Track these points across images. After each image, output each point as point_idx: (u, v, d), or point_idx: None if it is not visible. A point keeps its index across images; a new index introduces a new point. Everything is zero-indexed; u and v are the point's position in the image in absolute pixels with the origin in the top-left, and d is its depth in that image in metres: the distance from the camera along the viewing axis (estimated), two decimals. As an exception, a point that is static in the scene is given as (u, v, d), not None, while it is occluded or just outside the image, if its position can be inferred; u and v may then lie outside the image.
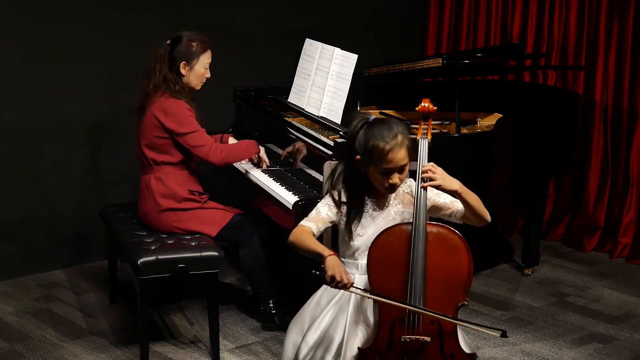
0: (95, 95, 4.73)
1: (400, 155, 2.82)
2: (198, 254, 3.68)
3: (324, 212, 2.93)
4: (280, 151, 4.28)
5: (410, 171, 3.02)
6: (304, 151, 4.00)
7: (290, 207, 3.63)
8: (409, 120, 4.10)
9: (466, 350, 2.84)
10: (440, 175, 2.85)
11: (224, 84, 4.49)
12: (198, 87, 3.98)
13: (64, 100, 4.64)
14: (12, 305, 4.31)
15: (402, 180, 2.87)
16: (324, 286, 2.94)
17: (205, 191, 3.98)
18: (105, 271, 4.40)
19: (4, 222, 4.58)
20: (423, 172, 2.84)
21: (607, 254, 5.22)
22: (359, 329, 2.85)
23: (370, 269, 2.82)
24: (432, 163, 2.87)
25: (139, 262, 3.60)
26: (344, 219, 2.92)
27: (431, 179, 2.83)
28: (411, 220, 2.83)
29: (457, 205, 2.94)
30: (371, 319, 2.86)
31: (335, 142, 3.72)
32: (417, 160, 2.88)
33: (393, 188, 2.87)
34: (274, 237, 4.64)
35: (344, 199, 2.92)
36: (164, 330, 4.07)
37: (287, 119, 4.29)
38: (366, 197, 2.93)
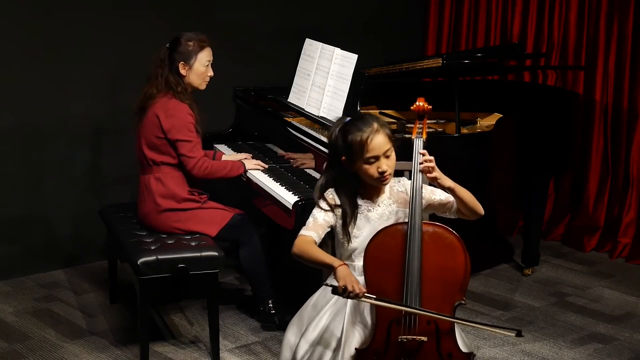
0: (96, 95, 4.74)
1: (379, 140, 2.83)
2: (198, 254, 3.68)
3: (321, 217, 2.92)
4: (280, 151, 4.28)
5: (405, 171, 3.02)
6: (311, 163, 3.99)
7: (290, 207, 3.64)
8: (407, 120, 4.09)
9: (464, 349, 2.84)
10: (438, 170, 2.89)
11: (224, 84, 4.49)
12: (202, 87, 3.98)
13: (64, 101, 4.64)
14: (12, 305, 4.31)
15: (391, 168, 2.87)
16: (322, 288, 2.93)
17: (205, 191, 3.99)
18: (105, 271, 4.40)
19: (4, 222, 4.58)
20: (424, 161, 2.85)
21: (607, 254, 5.21)
22: (356, 329, 2.85)
23: (367, 269, 2.81)
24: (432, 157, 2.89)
25: (138, 262, 3.61)
26: (340, 221, 2.92)
27: (429, 171, 2.86)
28: (406, 220, 2.84)
29: (452, 200, 2.95)
30: (368, 319, 2.86)
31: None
32: (412, 160, 2.89)
33: (385, 177, 2.86)
34: (274, 237, 4.64)
35: (337, 202, 2.92)
36: (164, 330, 4.07)
37: (287, 119, 4.29)
38: (359, 198, 2.93)
